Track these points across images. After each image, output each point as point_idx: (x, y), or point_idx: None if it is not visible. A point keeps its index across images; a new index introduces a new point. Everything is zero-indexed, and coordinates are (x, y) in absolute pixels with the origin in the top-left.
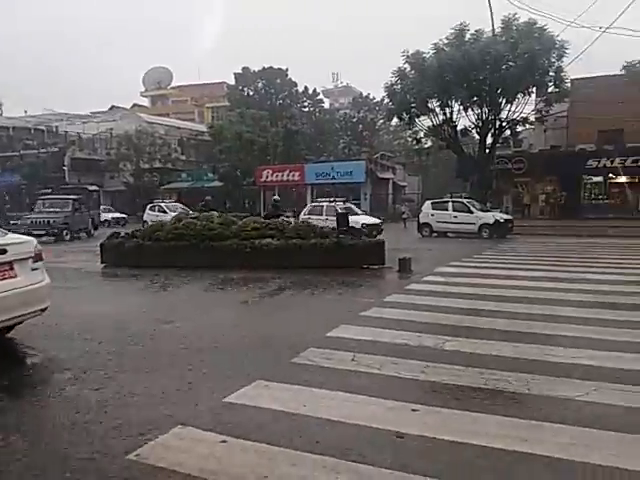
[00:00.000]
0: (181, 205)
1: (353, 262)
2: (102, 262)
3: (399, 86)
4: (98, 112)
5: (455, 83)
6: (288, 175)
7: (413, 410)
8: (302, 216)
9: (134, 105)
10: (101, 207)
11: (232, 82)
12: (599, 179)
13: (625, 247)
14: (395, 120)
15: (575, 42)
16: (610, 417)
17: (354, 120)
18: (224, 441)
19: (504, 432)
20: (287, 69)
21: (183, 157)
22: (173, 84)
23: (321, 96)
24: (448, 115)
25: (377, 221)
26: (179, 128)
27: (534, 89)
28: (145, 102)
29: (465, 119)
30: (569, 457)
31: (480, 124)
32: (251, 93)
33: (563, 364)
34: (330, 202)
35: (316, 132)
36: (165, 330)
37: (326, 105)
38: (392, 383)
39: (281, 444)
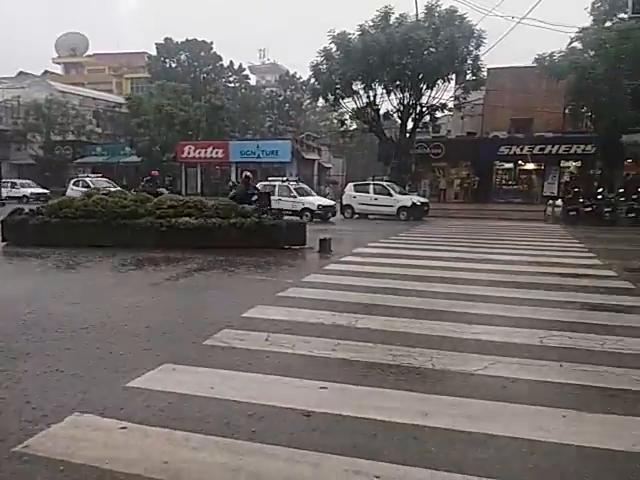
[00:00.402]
0: (106, 179)
1: (274, 242)
2: (3, 240)
3: (325, 66)
4: (4, 78)
5: (379, 66)
6: (211, 152)
7: (321, 388)
8: None
9: (45, 72)
10: (3, 181)
11: (153, 53)
12: (510, 165)
13: (528, 230)
14: (321, 101)
15: (492, 32)
16: (503, 389)
17: (280, 98)
18: (124, 427)
19: (406, 406)
20: (212, 42)
21: (99, 130)
22: (89, 52)
23: (247, 72)
24: (372, 98)
25: (332, 202)
26: (95, 99)
27: (453, 76)
28: (58, 70)
29: (388, 103)
30: (464, 429)
31: (402, 108)
32: (173, 65)
33: (466, 340)
34: (283, 181)
35: (242, 109)
36: (68, 312)
37: (252, 82)
38: (304, 362)
39: (185, 428)
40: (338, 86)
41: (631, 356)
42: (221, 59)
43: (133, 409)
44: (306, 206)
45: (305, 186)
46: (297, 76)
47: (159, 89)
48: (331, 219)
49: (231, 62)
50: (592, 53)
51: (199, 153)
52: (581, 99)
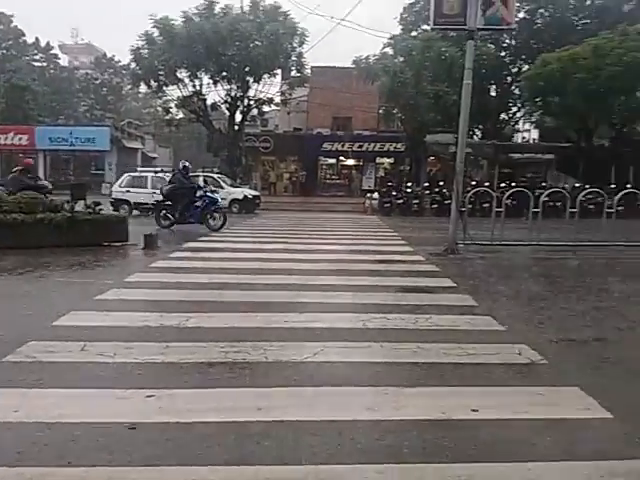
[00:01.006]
0: None
1: (91, 239)
2: None
3: (146, 51)
4: None
5: (204, 55)
6: (13, 138)
7: (148, 396)
8: (115, 189)
9: None
10: None
11: None
12: (333, 161)
13: (350, 221)
14: (143, 87)
15: (318, 31)
16: (332, 374)
17: (97, 82)
18: None
19: (241, 404)
20: (12, 15)
21: None
22: None
23: (57, 51)
24: (198, 87)
25: (257, 193)
26: None
27: (279, 71)
28: None
29: (215, 93)
30: (297, 418)
31: (229, 100)
32: None
33: (297, 329)
34: (156, 172)
35: (51, 91)
36: None
37: (64, 62)
38: (127, 370)
39: None
40: (161, 73)
41: (437, 332)
42: (24, 34)
43: None
44: (236, 197)
45: (216, 176)
46: (116, 59)
47: None
48: None
49: (37, 39)
50: (401, 59)
51: None
52: (392, 101)
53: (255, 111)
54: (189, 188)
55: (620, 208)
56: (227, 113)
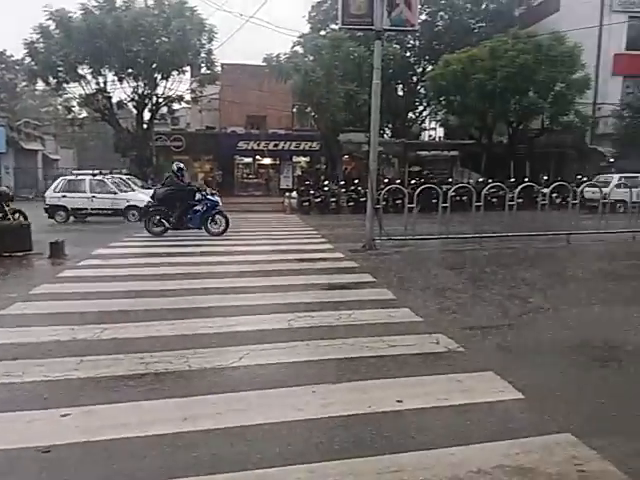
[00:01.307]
0: None
1: None
2: None
3: (42, 45)
4: None
5: (107, 51)
6: None
7: (63, 415)
8: (50, 194)
9: None
10: None
11: None
12: (249, 160)
13: (270, 220)
14: (41, 84)
15: (227, 29)
16: (259, 377)
17: None
18: None
19: (165, 415)
20: None
21: None
22: None
23: None
24: (102, 84)
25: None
26: None
27: (188, 68)
28: None
29: (122, 91)
30: (223, 425)
31: (137, 98)
32: None
33: (221, 334)
34: (94, 175)
35: None
36: None
37: None
38: (38, 390)
39: None
40: (61, 69)
41: (360, 326)
42: None
43: None
44: (132, 203)
45: (126, 177)
46: (7, 54)
47: None
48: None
49: None
50: (311, 58)
51: None
52: (305, 100)
53: (165, 109)
54: (188, 191)
55: (520, 201)
56: (135, 111)
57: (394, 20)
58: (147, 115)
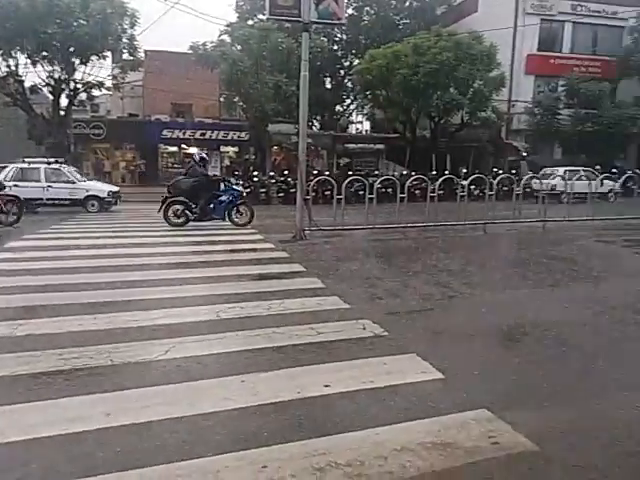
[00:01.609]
0: None
1: None
2: None
3: None
4: None
5: (19, 33)
6: None
7: None
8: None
9: None
10: None
11: None
12: (174, 149)
13: None
14: None
15: (153, 14)
16: (186, 369)
17: None
18: None
19: (86, 413)
20: None
21: None
22: None
23: None
24: (13, 68)
25: (117, 188)
26: None
27: (109, 54)
28: None
29: (35, 75)
30: (150, 419)
31: (53, 82)
32: None
33: (145, 327)
34: (49, 163)
35: None
36: None
37: None
38: None
39: None
40: None
41: (290, 315)
42: None
43: None
44: (95, 193)
45: (62, 167)
46: None
47: None
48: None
49: None
50: (239, 47)
51: None
52: (232, 89)
53: (84, 95)
54: (213, 181)
55: (441, 192)
56: (50, 97)
57: (321, 13)
58: (64, 101)
